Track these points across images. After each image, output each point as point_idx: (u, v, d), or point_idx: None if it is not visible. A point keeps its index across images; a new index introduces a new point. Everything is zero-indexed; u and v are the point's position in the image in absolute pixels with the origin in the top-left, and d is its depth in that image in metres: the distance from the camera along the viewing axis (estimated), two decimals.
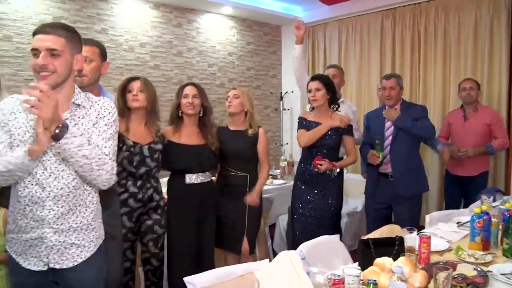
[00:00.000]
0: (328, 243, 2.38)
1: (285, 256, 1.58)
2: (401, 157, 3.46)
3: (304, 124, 3.35)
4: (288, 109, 6.75)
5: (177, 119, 3.01)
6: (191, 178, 2.96)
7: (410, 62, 5.48)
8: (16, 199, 1.77)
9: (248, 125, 3.19)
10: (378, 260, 1.84)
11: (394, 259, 1.82)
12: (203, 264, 2.93)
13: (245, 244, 3.16)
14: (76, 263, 1.82)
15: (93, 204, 1.88)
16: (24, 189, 1.73)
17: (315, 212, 3.25)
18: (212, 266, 2.92)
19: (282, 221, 4.40)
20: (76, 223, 1.81)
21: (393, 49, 5.65)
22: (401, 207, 3.47)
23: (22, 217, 1.76)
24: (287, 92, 6.69)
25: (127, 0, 5.12)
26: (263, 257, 3.76)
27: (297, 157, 5.82)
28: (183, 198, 2.95)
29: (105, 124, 1.84)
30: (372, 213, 3.68)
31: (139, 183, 2.74)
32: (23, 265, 1.79)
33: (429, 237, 2.10)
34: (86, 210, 1.84)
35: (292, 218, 3.40)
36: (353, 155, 3.34)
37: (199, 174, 2.98)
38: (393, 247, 2.03)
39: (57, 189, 1.74)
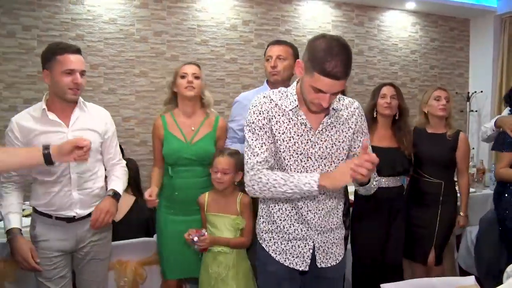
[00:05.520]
0: None
1: None
2: None
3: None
4: (476, 111, 6.12)
5: (371, 120, 2.84)
6: (381, 182, 2.75)
7: None
8: (279, 205, 1.83)
9: (448, 128, 3.01)
10: None
11: None
12: (393, 273, 2.78)
13: (431, 255, 2.93)
14: (338, 261, 1.90)
15: (341, 205, 1.93)
16: (299, 200, 1.79)
17: None
18: (401, 276, 2.80)
19: (471, 233, 3.99)
20: (334, 224, 1.88)
21: None
22: None
23: (286, 218, 1.83)
24: (475, 92, 6.07)
25: (310, 1, 5.22)
26: (448, 269, 3.49)
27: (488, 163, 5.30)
28: (371, 201, 2.75)
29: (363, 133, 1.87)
30: None
31: None
32: (285, 264, 1.86)
33: None
34: (338, 211, 1.91)
35: None
36: None
37: (390, 177, 2.82)
38: None
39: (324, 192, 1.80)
